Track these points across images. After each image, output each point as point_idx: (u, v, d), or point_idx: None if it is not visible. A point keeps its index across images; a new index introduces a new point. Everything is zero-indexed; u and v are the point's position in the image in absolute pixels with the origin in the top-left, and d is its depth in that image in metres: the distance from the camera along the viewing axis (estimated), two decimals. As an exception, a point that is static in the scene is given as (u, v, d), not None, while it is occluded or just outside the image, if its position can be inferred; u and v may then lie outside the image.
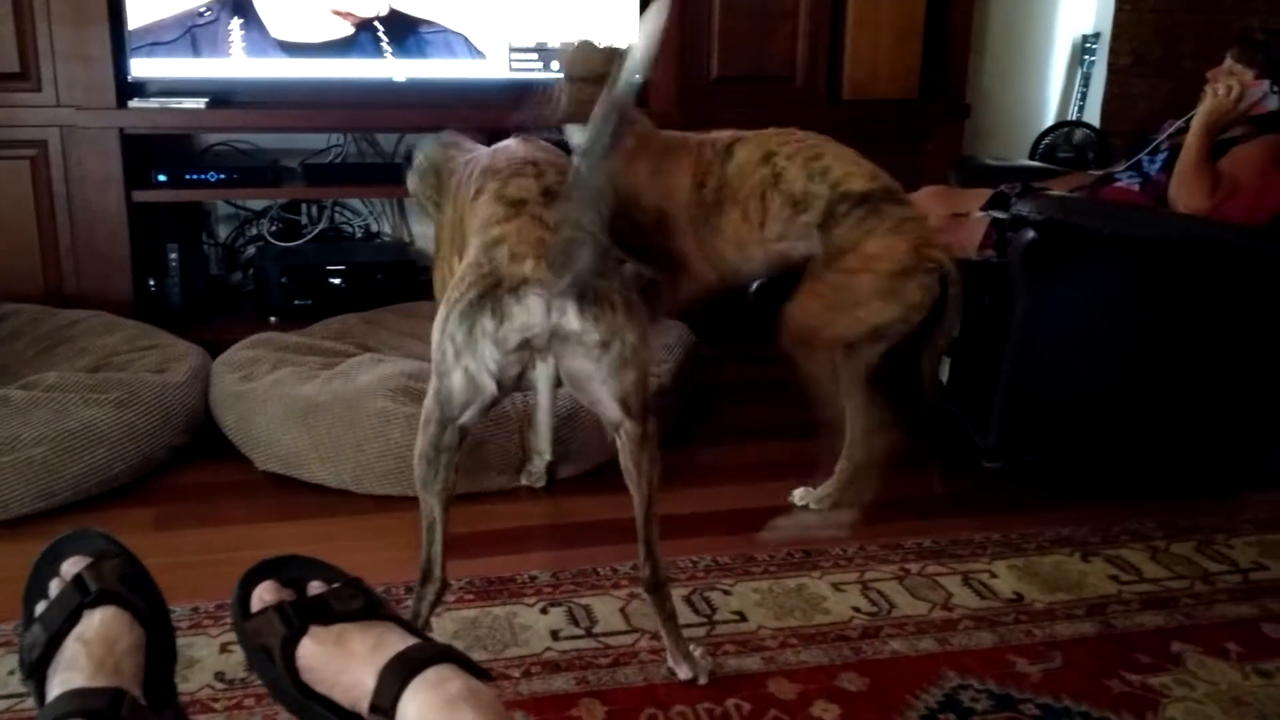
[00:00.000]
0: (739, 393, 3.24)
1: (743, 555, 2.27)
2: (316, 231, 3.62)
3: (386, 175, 3.45)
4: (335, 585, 1.17)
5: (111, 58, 3.05)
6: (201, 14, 3.12)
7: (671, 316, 2.89)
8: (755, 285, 2.75)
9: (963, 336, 2.48)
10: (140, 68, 3.10)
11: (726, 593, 2.14)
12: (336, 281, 3.35)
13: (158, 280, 3.25)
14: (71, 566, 1.18)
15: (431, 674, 1.03)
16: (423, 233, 3.75)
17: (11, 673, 1.81)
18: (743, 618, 2.05)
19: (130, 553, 1.23)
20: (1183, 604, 2.16)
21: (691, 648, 1.88)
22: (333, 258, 3.41)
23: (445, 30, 3.28)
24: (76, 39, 3.01)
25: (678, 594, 2.13)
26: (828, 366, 2.30)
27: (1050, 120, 4.19)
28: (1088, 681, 1.89)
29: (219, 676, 1.83)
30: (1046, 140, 3.96)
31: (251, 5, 3.14)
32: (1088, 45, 4.07)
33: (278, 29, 3.17)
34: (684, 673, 1.85)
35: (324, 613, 1.12)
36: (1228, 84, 2.68)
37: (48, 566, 1.21)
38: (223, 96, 3.22)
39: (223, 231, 3.63)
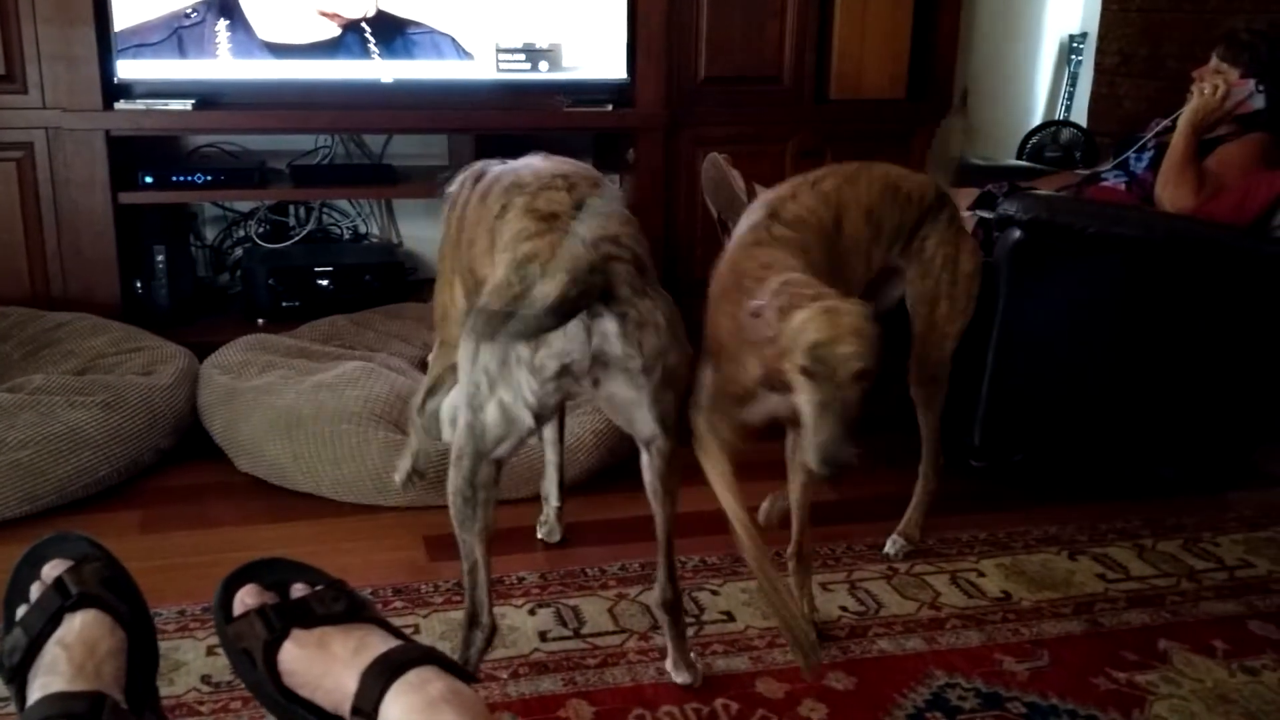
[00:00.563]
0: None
1: (731, 555, 2.27)
2: (304, 233, 3.61)
3: (374, 176, 3.45)
4: (318, 588, 1.16)
5: (98, 59, 3.03)
6: (188, 15, 3.11)
7: None
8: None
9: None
10: (126, 69, 3.09)
11: (714, 593, 2.14)
12: (324, 283, 3.34)
13: (144, 282, 3.24)
14: (52, 570, 1.18)
15: (413, 676, 1.02)
16: (411, 235, 3.75)
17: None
18: (730, 617, 2.05)
19: (112, 556, 1.22)
20: (1169, 602, 2.16)
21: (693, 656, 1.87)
22: (320, 259, 3.41)
23: (432, 31, 3.27)
24: (62, 40, 3.00)
25: (665, 594, 2.13)
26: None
27: (1038, 120, 4.20)
28: (1075, 679, 1.89)
29: (205, 679, 1.82)
30: (1034, 140, 3.97)
31: (238, 6, 3.13)
32: (1075, 45, 4.08)
33: (264, 30, 3.16)
34: (683, 679, 1.84)
35: (306, 616, 1.11)
36: (1214, 83, 2.69)
37: (29, 570, 1.20)
38: (209, 98, 3.21)
39: (210, 233, 3.62)
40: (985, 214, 2.77)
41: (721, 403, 1.83)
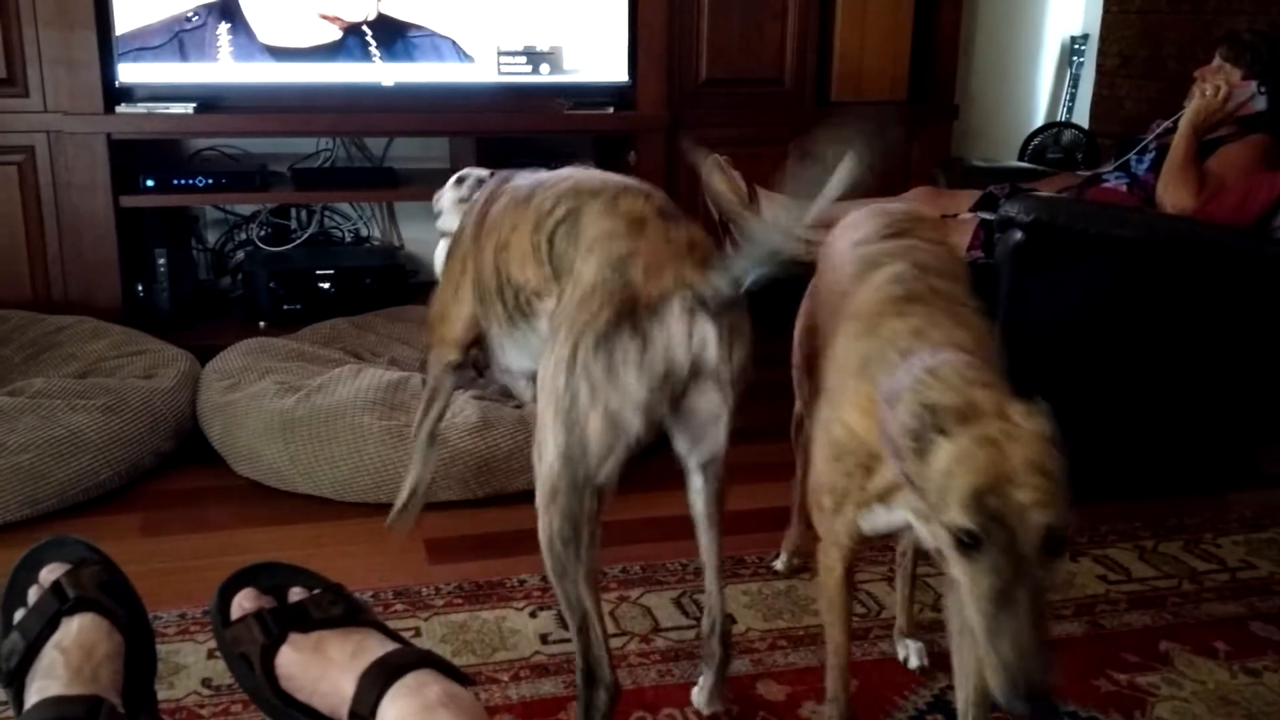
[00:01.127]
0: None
1: (732, 558, 2.26)
2: (305, 236, 3.62)
3: (375, 180, 3.45)
4: (315, 592, 1.16)
5: (99, 63, 3.03)
6: (189, 19, 3.11)
7: None
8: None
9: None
10: (128, 73, 3.09)
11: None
12: (325, 286, 3.35)
13: (146, 286, 3.24)
14: (50, 573, 1.18)
15: (410, 679, 1.02)
16: (412, 237, 3.75)
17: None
18: (732, 620, 2.05)
19: (110, 559, 1.22)
20: (1170, 603, 2.16)
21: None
22: (322, 262, 3.41)
23: (433, 34, 3.28)
24: (63, 44, 3.00)
25: (667, 596, 2.13)
26: None
27: (1039, 121, 4.20)
28: (1076, 681, 1.89)
29: (205, 683, 1.82)
30: (1035, 141, 3.97)
31: (239, 10, 3.13)
32: (1076, 46, 4.08)
33: (265, 33, 3.16)
34: (713, 708, 1.77)
35: (303, 620, 1.11)
36: (1215, 84, 2.69)
37: (26, 574, 1.20)
38: (210, 101, 3.21)
39: (211, 236, 3.62)
40: (987, 215, 2.77)
41: (844, 502, 1.43)
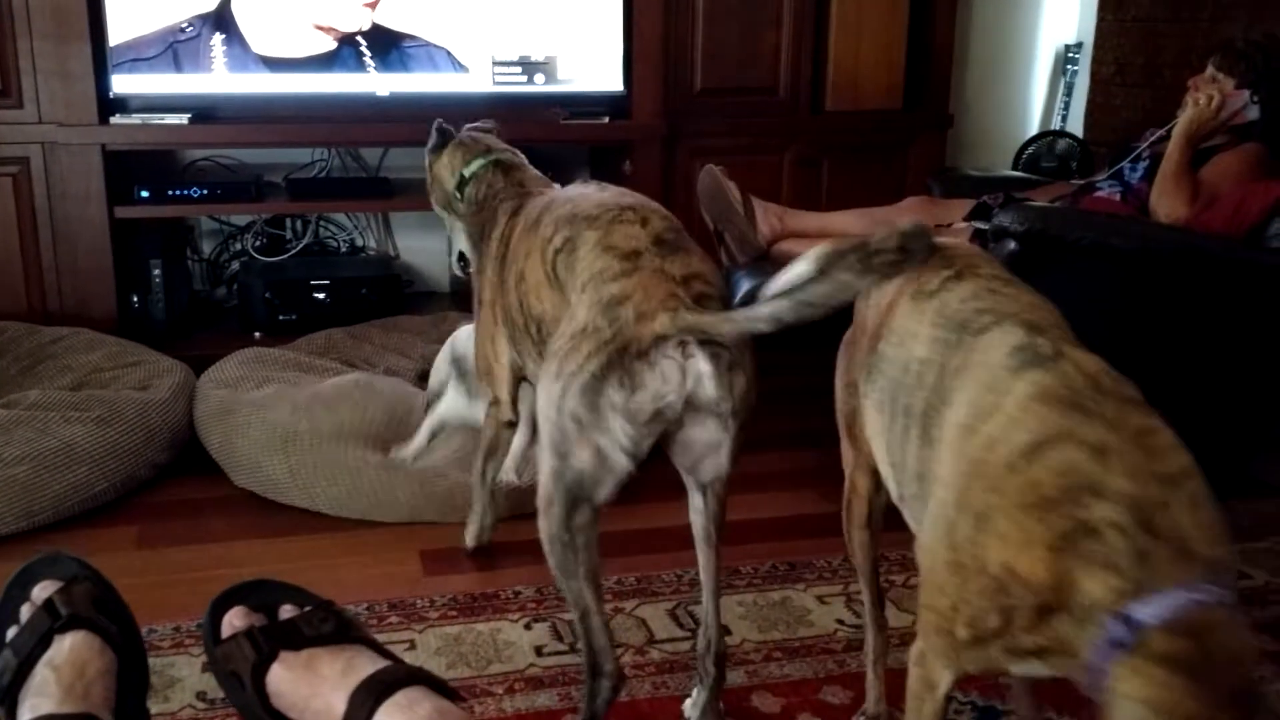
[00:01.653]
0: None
1: (727, 569, 2.25)
2: (301, 246, 3.62)
3: (371, 190, 3.46)
4: (306, 609, 1.16)
5: (93, 74, 3.04)
6: (183, 30, 3.12)
7: None
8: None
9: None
10: (122, 84, 3.10)
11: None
12: (321, 296, 3.35)
13: (141, 296, 3.24)
14: (42, 591, 1.17)
15: (401, 697, 1.02)
16: (408, 247, 3.75)
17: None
18: (726, 631, 2.04)
19: (102, 576, 1.22)
20: (1166, 613, 2.15)
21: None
22: (317, 272, 3.41)
23: (428, 44, 3.28)
24: (58, 55, 3.01)
25: (662, 608, 2.13)
26: None
27: (1033, 130, 4.20)
28: (1072, 692, 1.87)
29: (200, 696, 1.82)
30: (1030, 150, 3.97)
31: (233, 21, 3.14)
32: (1070, 55, 4.08)
33: (260, 44, 3.17)
34: None
35: (294, 637, 1.11)
36: (1208, 93, 2.69)
37: (19, 591, 1.20)
38: (205, 112, 3.21)
39: (207, 247, 3.62)
40: (981, 225, 2.77)
41: (988, 640, 1.17)
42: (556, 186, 2.06)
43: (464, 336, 2.47)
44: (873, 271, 1.28)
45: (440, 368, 2.56)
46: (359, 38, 3.23)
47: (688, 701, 1.79)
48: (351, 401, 2.61)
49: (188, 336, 3.29)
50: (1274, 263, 2.49)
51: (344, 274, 3.43)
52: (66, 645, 1.12)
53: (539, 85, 3.35)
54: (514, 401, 2.06)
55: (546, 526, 1.56)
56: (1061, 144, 3.96)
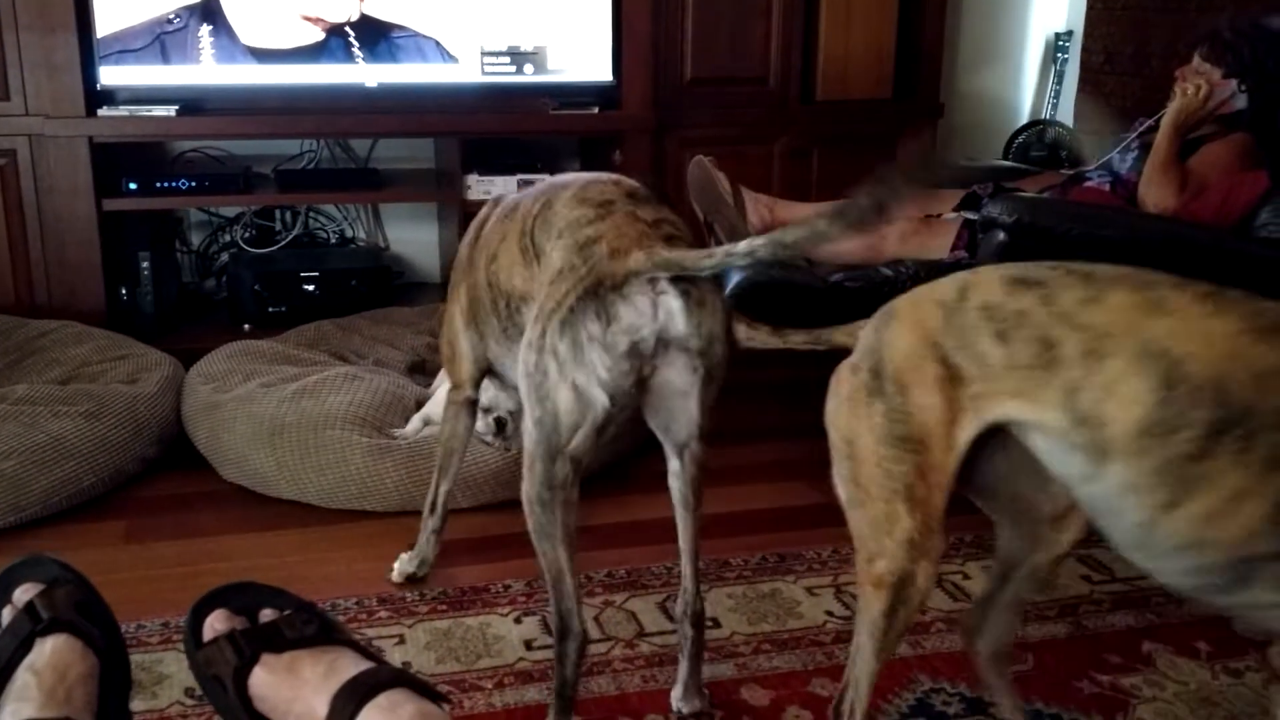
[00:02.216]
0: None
1: (717, 560, 2.27)
2: (290, 238, 3.61)
3: (360, 181, 3.45)
4: (287, 612, 1.16)
5: (80, 66, 3.02)
6: (170, 21, 3.10)
7: None
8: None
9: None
10: (109, 75, 3.08)
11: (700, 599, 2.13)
12: (310, 288, 3.34)
13: (129, 289, 3.23)
14: (24, 594, 1.17)
15: (383, 699, 1.02)
16: (397, 239, 3.74)
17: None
18: (716, 624, 2.05)
19: (85, 579, 1.22)
20: (1154, 603, 2.16)
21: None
22: (307, 264, 3.40)
23: (417, 35, 3.27)
24: (44, 47, 2.99)
25: (651, 601, 2.13)
26: None
27: (1024, 119, 4.20)
28: (1058, 683, 1.89)
29: (189, 693, 1.82)
30: (1020, 139, 3.97)
31: (221, 12, 3.12)
32: (1060, 43, 4.08)
33: (248, 35, 3.15)
34: (692, 707, 1.79)
35: (276, 640, 1.11)
36: (1196, 83, 2.69)
37: (0, 594, 1.20)
38: (193, 104, 3.19)
39: (196, 238, 3.61)
40: (970, 215, 2.77)
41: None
42: None
43: None
44: (846, 220, 1.32)
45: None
46: (347, 28, 3.22)
47: (674, 688, 1.81)
48: (339, 390, 2.60)
49: (176, 329, 3.28)
50: (1262, 253, 2.49)
51: (333, 266, 3.42)
52: (48, 649, 1.12)
53: (528, 75, 3.34)
54: (475, 381, 2.03)
55: (528, 488, 1.59)
56: (1051, 133, 3.96)
